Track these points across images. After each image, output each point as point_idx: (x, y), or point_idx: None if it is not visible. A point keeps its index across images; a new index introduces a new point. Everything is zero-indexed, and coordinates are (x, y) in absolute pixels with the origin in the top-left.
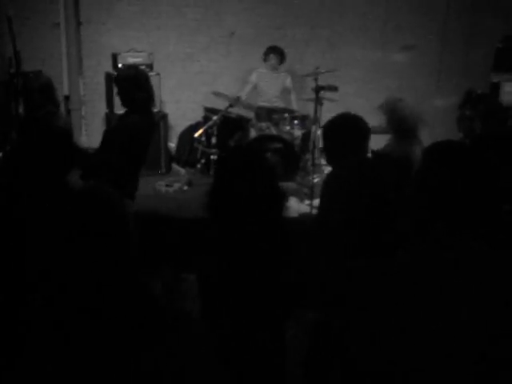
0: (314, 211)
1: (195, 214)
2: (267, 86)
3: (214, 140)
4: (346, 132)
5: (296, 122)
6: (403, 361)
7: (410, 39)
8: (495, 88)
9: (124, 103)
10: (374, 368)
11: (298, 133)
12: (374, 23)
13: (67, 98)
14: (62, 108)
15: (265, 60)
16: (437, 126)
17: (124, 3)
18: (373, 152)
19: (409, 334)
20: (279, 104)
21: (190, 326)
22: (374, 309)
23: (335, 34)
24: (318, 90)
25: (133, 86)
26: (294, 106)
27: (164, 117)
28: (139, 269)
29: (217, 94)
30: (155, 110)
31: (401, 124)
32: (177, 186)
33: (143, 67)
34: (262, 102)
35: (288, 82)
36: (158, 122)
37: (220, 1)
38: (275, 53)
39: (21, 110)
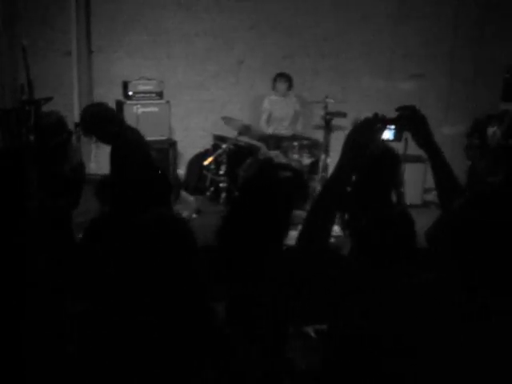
0: None
1: (204, 242)
2: (279, 112)
3: (223, 168)
4: None
5: (305, 150)
6: None
7: (417, 68)
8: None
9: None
10: None
11: (306, 161)
12: (381, 52)
13: (77, 125)
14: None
15: (273, 88)
16: (445, 153)
17: (135, 32)
18: None
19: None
20: (290, 130)
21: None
22: None
23: (342, 62)
24: (328, 119)
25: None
26: (299, 129)
27: (173, 144)
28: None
29: (226, 120)
30: (163, 137)
31: None
32: (185, 213)
33: (153, 95)
34: (274, 129)
35: (298, 106)
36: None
37: (229, 30)
38: (282, 78)
39: (32, 137)
